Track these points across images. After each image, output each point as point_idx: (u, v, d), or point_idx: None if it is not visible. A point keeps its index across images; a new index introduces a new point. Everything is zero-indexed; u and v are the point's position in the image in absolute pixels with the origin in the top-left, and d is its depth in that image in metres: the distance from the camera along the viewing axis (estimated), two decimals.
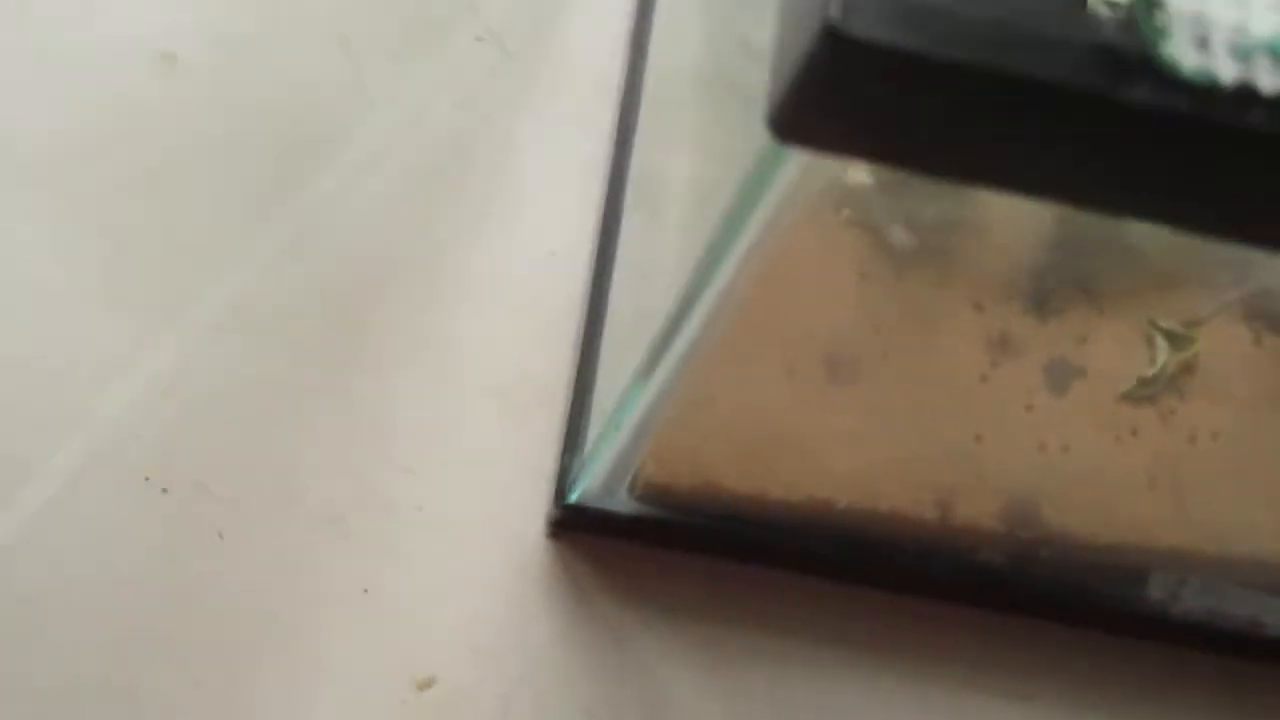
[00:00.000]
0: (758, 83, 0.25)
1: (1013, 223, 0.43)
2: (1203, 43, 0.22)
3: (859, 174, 0.40)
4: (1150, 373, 0.44)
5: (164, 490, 0.47)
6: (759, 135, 0.24)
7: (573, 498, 0.46)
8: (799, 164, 0.25)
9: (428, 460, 0.49)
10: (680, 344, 0.35)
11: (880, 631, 0.48)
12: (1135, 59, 0.22)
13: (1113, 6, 0.22)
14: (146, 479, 0.47)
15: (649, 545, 0.47)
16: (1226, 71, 0.22)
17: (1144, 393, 0.44)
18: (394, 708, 0.45)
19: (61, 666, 0.44)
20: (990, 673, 0.48)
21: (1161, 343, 0.44)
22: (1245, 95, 0.22)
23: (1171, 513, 0.45)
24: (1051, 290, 0.45)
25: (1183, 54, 0.22)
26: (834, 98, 0.22)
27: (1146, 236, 0.40)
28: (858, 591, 0.48)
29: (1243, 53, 0.22)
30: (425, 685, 0.46)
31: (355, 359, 0.49)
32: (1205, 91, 0.22)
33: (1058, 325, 0.45)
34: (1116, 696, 0.49)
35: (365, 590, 0.47)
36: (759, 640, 0.47)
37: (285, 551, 0.46)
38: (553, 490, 0.48)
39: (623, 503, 0.46)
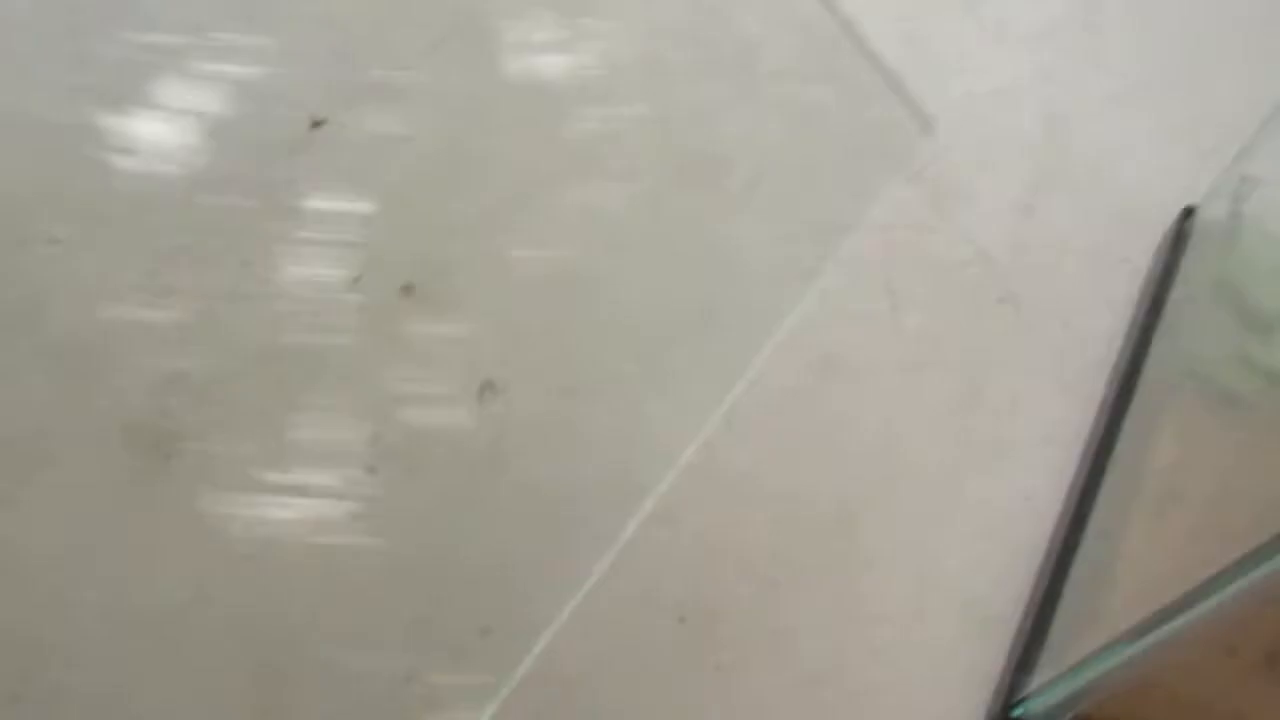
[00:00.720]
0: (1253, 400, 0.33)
1: None
2: None
3: None
4: None
5: (680, 620, 0.57)
6: None
7: (1016, 713, 0.53)
8: None
9: (896, 645, 0.57)
10: (1164, 632, 0.43)
11: None
12: None
13: None
14: (667, 608, 0.57)
15: None
16: None
17: None
18: None
19: None
20: None
21: None
22: None
23: None
24: None
25: None
26: None
27: None
28: None
29: None
30: None
31: (847, 549, 0.59)
32: None
33: None
34: None
35: None
36: None
37: (766, 697, 0.56)
38: (995, 701, 0.55)
39: None
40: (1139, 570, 0.52)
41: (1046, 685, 0.52)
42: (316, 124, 0.66)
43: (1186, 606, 0.41)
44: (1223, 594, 0.39)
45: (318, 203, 0.64)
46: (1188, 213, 0.64)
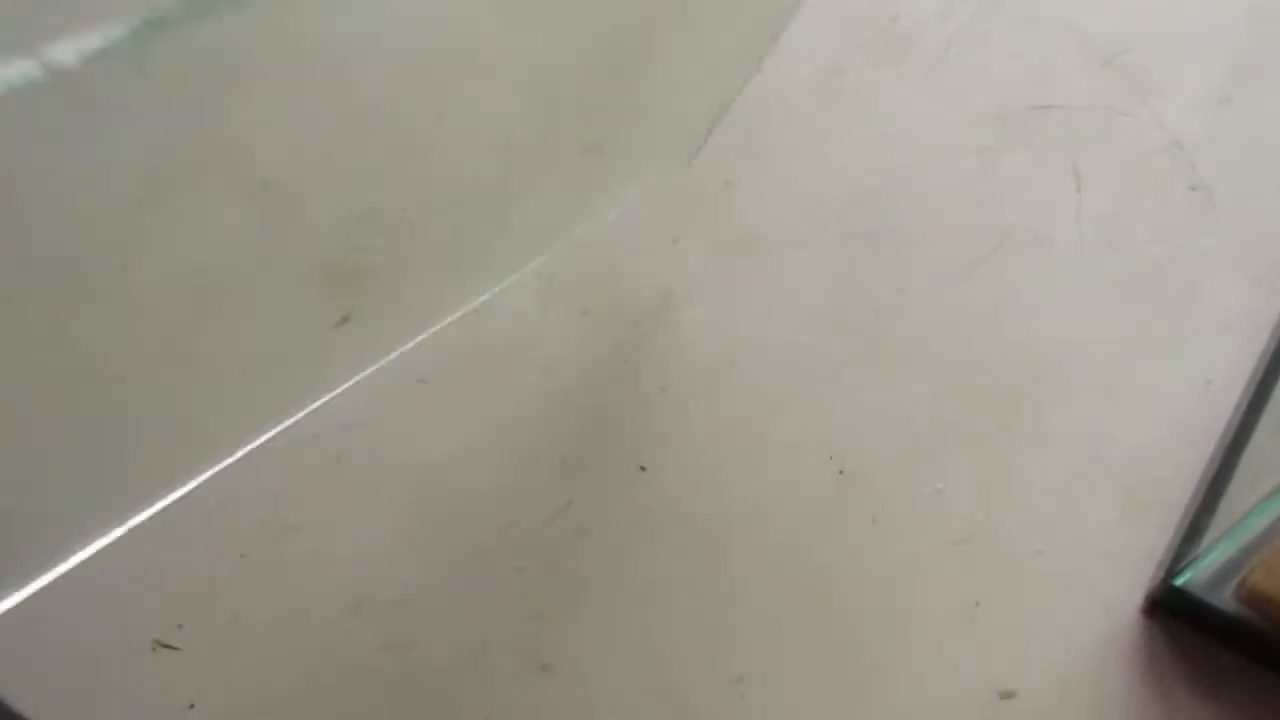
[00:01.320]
0: None
1: None
2: None
3: None
4: None
5: (840, 472, 0.58)
6: None
7: (1179, 581, 0.52)
8: None
9: (1055, 518, 0.57)
10: None
11: None
12: None
13: None
14: (830, 458, 0.57)
15: (1236, 650, 0.53)
16: None
17: None
18: (976, 707, 0.53)
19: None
20: None
21: None
22: None
23: None
24: None
25: None
26: None
27: None
28: None
29: None
30: (1006, 697, 0.54)
31: (1015, 418, 0.58)
32: None
33: None
34: None
35: (977, 603, 0.55)
36: None
37: (920, 554, 0.56)
38: (1159, 573, 0.54)
39: (1224, 601, 0.52)
40: None
41: (1209, 548, 0.50)
42: None
43: None
44: None
45: (508, 54, 0.66)
46: None
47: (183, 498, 0.48)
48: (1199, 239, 0.62)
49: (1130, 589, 0.55)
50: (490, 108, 0.66)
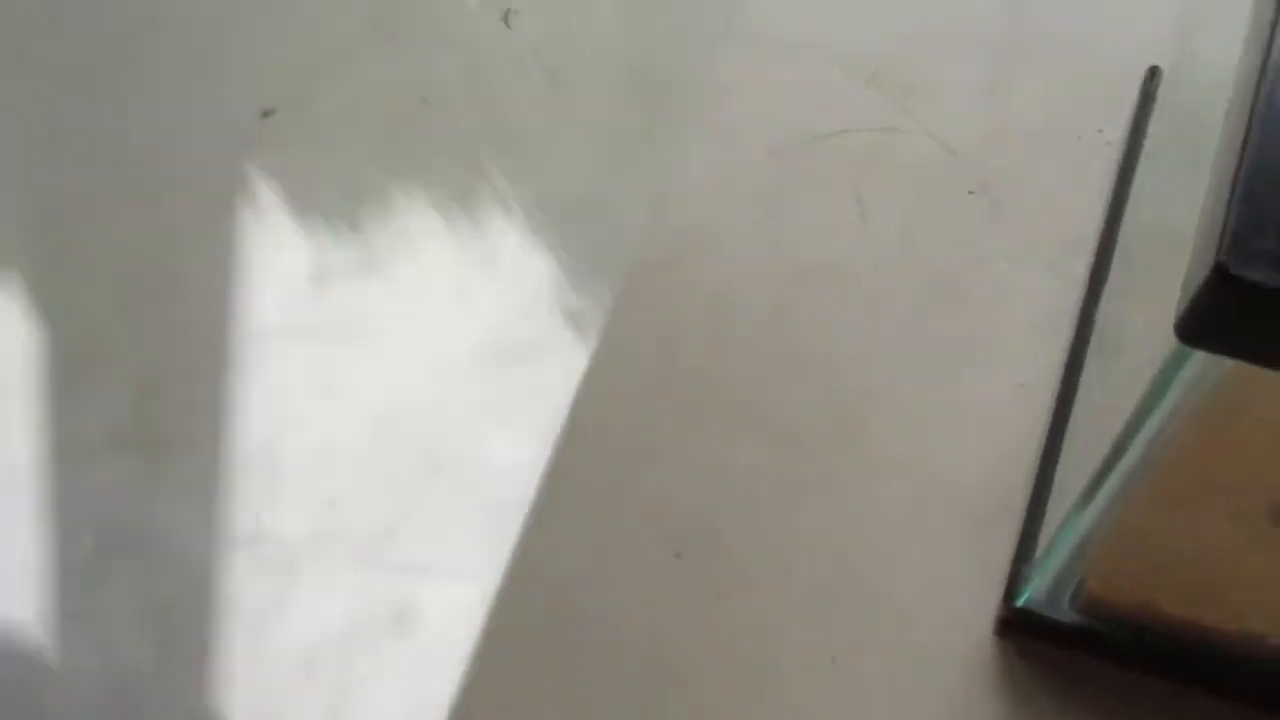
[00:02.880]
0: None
1: None
2: None
3: None
4: None
5: (677, 555, 0.57)
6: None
7: (1020, 601, 0.53)
8: (1199, 360, 0.33)
9: (899, 553, 0.57)
10: (1113, 481, 0.42)
11: None
12: None
13: None
14: (665, 540, 0.57)
15: (1088, 654, 0.53)
16: None
17: None
18: None
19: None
20: None
21: None
22: None
23: None
24: None
25: None
26: (1222, 316, 0.30)
27: None
28: None
29: None
30: None
31: (843, 457, 0.58)
32: None
33: None
34: None
35: (834, 659, 0.55)
36: None
37: (771, 620, 0.56)
38: (1003, 593, 0.54)
39: (1065, 612, 0.52)
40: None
41: (1042, 559, 0.51)
42: None
43: (1120, 451, 0.41)
44: (1147, 425, 0.38)
45: None
46: (1153, 73, 0.63)
47: None
48: (988, 240, 0.62)
49: (982, 612, 0.55)
50: None
